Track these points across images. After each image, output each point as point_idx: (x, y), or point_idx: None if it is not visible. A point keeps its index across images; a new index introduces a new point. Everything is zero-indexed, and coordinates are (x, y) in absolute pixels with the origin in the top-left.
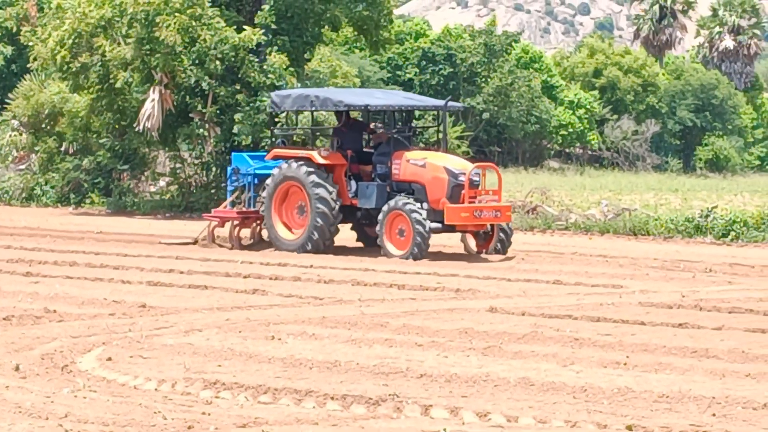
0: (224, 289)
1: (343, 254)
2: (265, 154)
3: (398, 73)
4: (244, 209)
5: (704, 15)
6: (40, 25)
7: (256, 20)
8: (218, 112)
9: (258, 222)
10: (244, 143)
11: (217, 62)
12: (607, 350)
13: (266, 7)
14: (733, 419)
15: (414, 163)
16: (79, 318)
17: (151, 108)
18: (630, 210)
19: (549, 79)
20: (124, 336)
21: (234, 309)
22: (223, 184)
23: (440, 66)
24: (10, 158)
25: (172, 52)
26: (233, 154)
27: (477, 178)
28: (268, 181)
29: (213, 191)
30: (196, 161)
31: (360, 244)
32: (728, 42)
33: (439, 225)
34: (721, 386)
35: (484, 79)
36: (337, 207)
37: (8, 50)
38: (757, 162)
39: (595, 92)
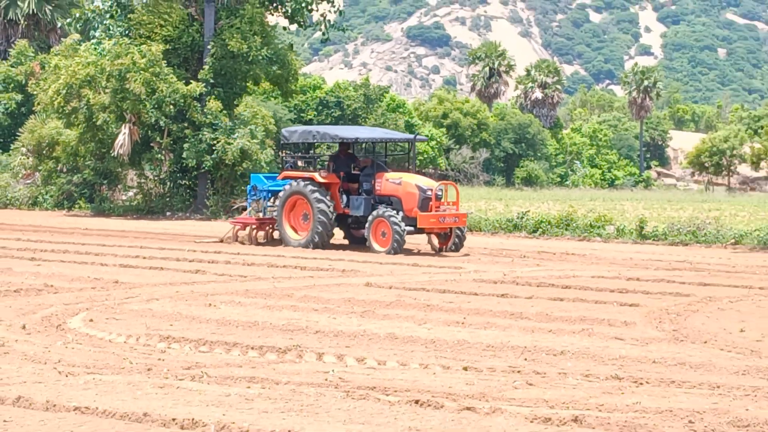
0: (175, 270)
1: (334, 249)
2: (277, 175)
3: (302, 115)
4: (260, 216)
5: (521, 74)
6: (42, 80)
7: (199, 76)
8: (172, 142)
9: (271, 226)
10: (190, 165)
11: (171, 106)
12: (450, 313)
13: (206, 67)
14: (538, 362)
15: (392, 181)
16: (70, 290)
17: (122, 139)
18: (468, 213)
19: (410, 119)
20: (102, 303)
21: (182, 284)
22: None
23: (332, 110)
24: (19, 175)
25: (138, 99)
26: (252, 174)
27: (440, 193)
28: (280, 195)
29: (168, 199)
30: (156, 177)
31: (346, 242)
32: (538, 93)
33: (412, 228)
34: (531, 339)
35: (363, 120)
36: (333, 216)
37: (18, 97)
38: (558, 179)
39: (443, 129)
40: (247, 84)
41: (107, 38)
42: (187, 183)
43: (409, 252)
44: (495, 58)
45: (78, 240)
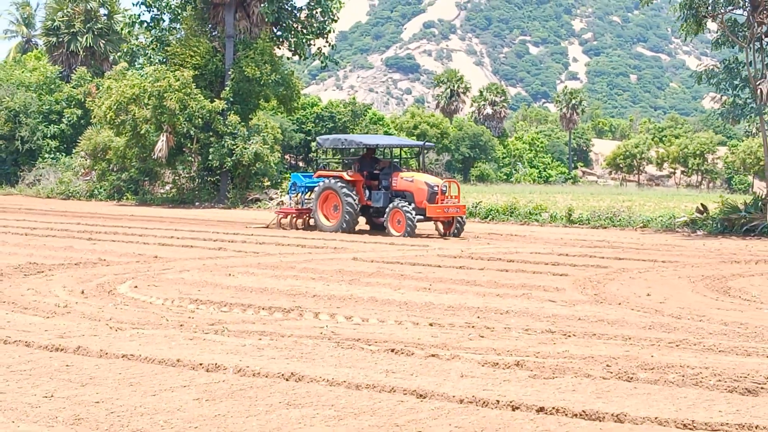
0: (202, 247)
1: (358, 234)
2: (312, 174)
3: (303, 126)
4: (299, 207)
5: (475, 94)
6: (97, 98)
7: (222, 96)
8: (200, 147)
9: (307, 215)
10: (214, 165)
11: (199, 119)
12: (419, 281)
13: (227, 88)
14: (488, 319)
15: (406, 179)
16: (119, 264)
17: (161, 145)
18: None
19: (387, 130)
20: (144, 274)
21: (207, 258)
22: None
23: (326, 122)
24: (79, 173)
25: (173, 113)
26: (292, 174)
27: (445, 188)
28: (315, 190)
29: (197, 192)
30: (187, 175)
31: (368, 228)
32: (489, 110)
33: (422, 217)
34: (483, 301)
35: (351, 130)
36: (358, 207)
37: (79, 112)
38: (504, 177)
39: (414, 137)
40: (260, 102)
41: (149, 65)
42: (212, 179)
43: (419, 236)
44: (455, 82)
45: (125, 224)
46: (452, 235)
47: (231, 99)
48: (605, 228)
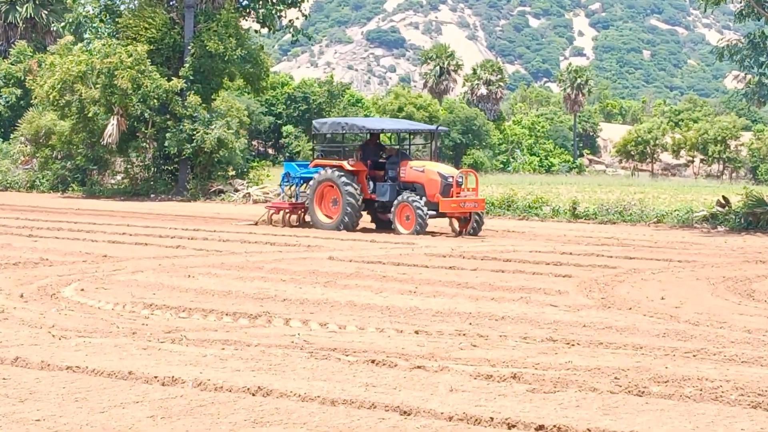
0: (158, 245)
1: (362, 232)
2: (308, 163)
3: (272, 108)
4: (293, 201)
5: (468, 73)
6: (39, 76)
7: (180, 73)
8: (155, 132)
9: (303, 210)
10: (172, 152)
11: (155, 100)
12: (404, 283)
13: (187, 65)
14: (482, 326)
15: (415, 169)
16: (63, 263)
17: (111, 129)
18: None
19: (369, 114)
20: (92, 275)
21: (164, 258)
22: (158, 178)
23: (299, 104)
24: (18, 161)
25: (125, 93)
26: (285, 163)
27: (461, 180)
28: (311, 182)
29: (152, 183)
30: (141, 164)
31: (373, 225)
32: (483, 90)
33: (434, 212)
34: (475, 306)
35: (327, 113)
36: (360, 200)
37: (18, 91)
38: (501, 165)
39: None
40: (223, 80)
41: (97, 39)
42: (169, 168)
43: (428, 233)
44: (445, 58)
45: (71, 219)
46: (469, 233)
47: (191, 77)
48: (614, 223)
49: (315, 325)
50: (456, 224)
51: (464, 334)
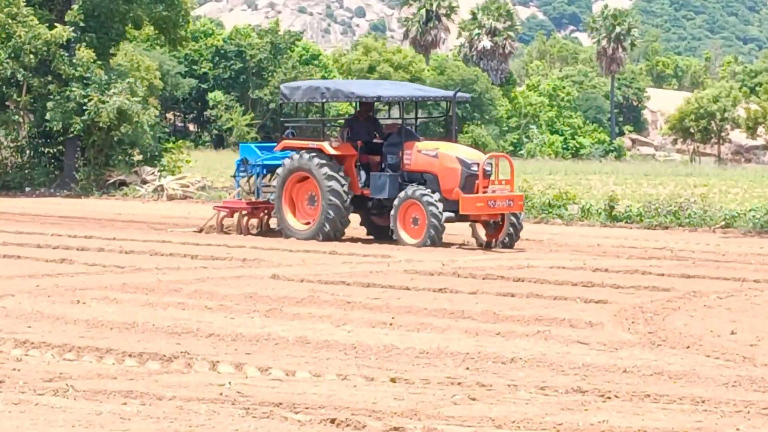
0: (35, 258)
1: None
2: (274, 145)
3: (194, 67)
4: (252, 200)
5: (465, 18)
6: None
7: (67, 18)
8: (32, 100)
9: (266, 212)
10: (55, 129)
11: (31, 56)
12: (376, 312)
13: (75, 6)
14: (484, 372)
15: (426, 153)
16: None
17: None
18: None
19: (327, 74)
20: None
21: (44, 276)
22: (36, 166)
23: (231, 61)
24: None
25: None
26: (241, 144)
27: (490, 168)
28: (278, 171)
29: (27, 171)
30: (12, 145)
31: (365, 232)
32: (486, 42)
33: (452, 214)
34: (475, 343)
35: (270, 74)
36: (348, 199)
37: None
38: (511, 147)
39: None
40: (126, 28)
41: None
42: (52, 151)
43: (447, 245)
44: None
45: None
46: (502, 245)
47: (81, 24)
48: (666, 228)
49: (252, 370)
50: (482, 232)
51: (459, 383)
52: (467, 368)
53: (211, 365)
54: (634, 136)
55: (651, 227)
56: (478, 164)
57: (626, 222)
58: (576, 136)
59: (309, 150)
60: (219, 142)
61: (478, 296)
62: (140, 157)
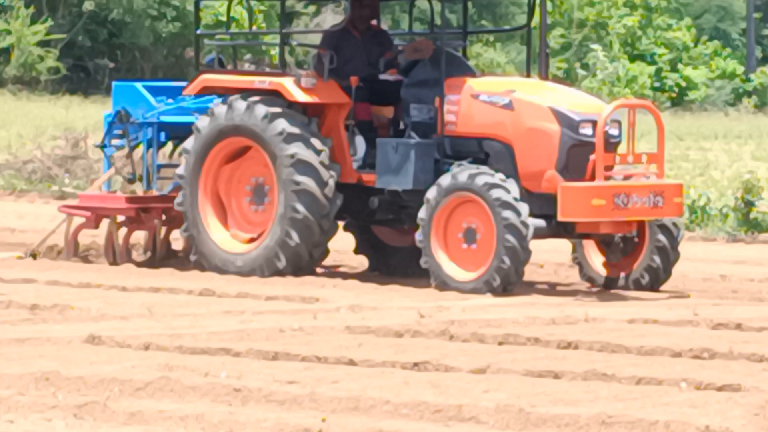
0: None
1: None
2: (179, 85)
3: None
4: (139, 193)
5: None
6: None
7: None
8: None
9: (167, 221)
10: None
11: None
12: (290, 412)
13: None
14: None
15: (488, 100)
16: None
17: None
18: None
19: None
20: None
21: None
22: None
23: None
24: None
25: None
26: (115, 84)
27: (617, 131)
28: (191, 138)
29: None
30: None
31: (362, 260)
32: None
33: (543, 224)
34: None
35: None
36: (331, 184)
37: None
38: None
39: None
40: None
41: None
42: None
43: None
44: None
45: None
46: (644, 286)
47: None
48: None
49: None
50: (597, 257)
51: None
52: None
53: None
54: None
55: None
56: (593, 122)
57: None
58: (679, 65)
59: (254, 93)
60: None
61: (490, 378)
62: None
